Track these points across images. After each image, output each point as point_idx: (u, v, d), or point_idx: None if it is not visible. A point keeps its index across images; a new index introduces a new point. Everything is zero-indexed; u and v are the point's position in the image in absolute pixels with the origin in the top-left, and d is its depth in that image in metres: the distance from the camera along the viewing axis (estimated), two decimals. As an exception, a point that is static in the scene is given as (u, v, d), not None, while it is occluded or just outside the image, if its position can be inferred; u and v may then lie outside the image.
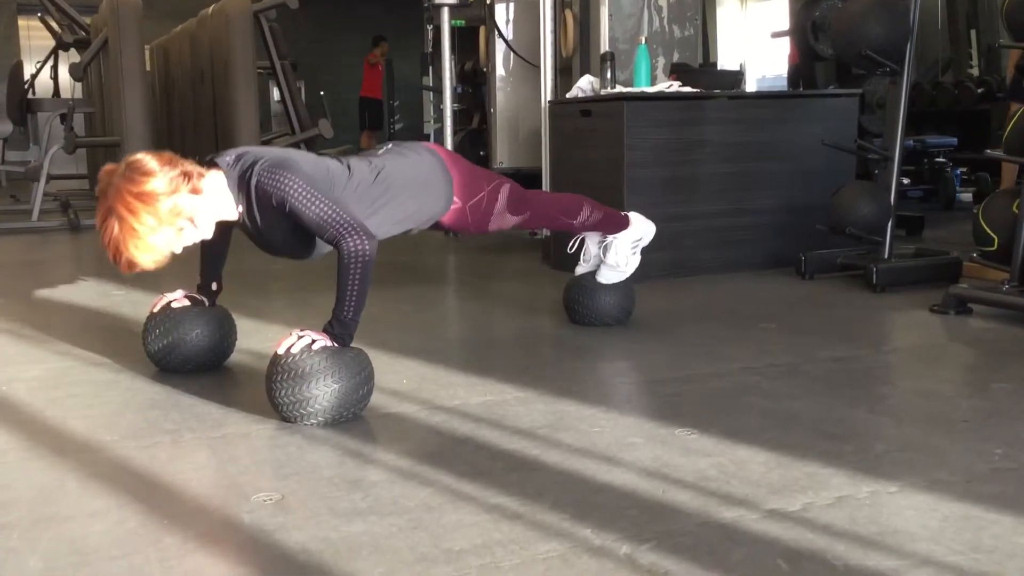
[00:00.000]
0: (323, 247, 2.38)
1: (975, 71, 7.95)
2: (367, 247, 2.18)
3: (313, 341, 2.15)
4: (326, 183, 2.30)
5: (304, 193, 2.19)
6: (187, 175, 2.18)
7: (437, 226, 2.70)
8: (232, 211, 2.31)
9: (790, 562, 1.45)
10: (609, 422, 2.17)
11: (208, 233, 2.28)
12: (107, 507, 1.71)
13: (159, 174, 2.13)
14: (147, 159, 2.16)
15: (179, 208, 2.15)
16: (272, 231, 2.32)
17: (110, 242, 2.11)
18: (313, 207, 2.19)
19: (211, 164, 2.32)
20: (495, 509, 1.67)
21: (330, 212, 2.19)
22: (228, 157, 2.32)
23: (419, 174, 2.55)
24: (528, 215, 2.82)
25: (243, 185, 2.26)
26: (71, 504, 1.73)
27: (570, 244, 3.21)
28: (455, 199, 2.61)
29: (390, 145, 2.65)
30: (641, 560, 1.47)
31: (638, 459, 1.91)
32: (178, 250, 2.22)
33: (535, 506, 1.68)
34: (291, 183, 2.20)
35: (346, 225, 2.19)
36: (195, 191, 2.18)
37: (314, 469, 1.89)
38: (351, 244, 2.17)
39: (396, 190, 2.48)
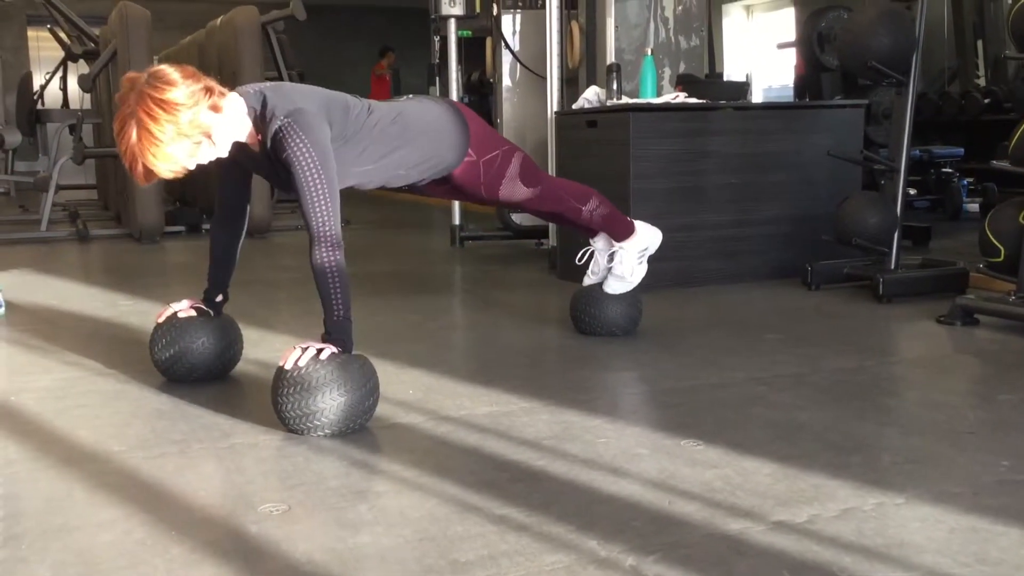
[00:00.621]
0: (343, 179, 2.41)
1: (982, 81, 7.95)
2: (336, 257, 2.21)
3: (319, 351, 2.16)
4: (342, 120, 2.36)
5: (310, 173, 2.21)
6: (209, 90, 2.20)
7: (449, 186, 2.72)
8: (245, 133, 2.33)
9: (796, 574, 1.45)
10: (615, 433, 2.17)
11: (224, 151, 2.29)
12: (115, 517, 1.72)
13: (181, 85, 2.15)
14: (170, 70, 2.18)
15: (199, 121, 2.17)
16: (275, 173, 2.36)
17: (127, 149, 2.13)
18: (310, 194, 2.21)
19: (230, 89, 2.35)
20: (501, 520, 1.67)
21: (320, 211, 2.22)
22: (250, 88, 2.34)
23: (437, 120, 2.61)
24: (539, 190, 2.85)
25: (262, 123, 2.28)
26: (79, 514, 1.74)
27: (579, 256, 3.22)
28: (470, 152, 2.65)
29: (411, 96, 2.73)
30: (647, 572, 1.47)
31: (644, 470, 1.91)
32: (192, 166, 2.23)
33: (541, 517, 1.68)
34: (305, 154, 2.22)
35: (325, 233, 2.21)
36: (215, 108, 2.20)
37: (320, 480, 1.89)
38: (321, 254, 2.20)
39: (414, 133, 2.53)
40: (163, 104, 2.11)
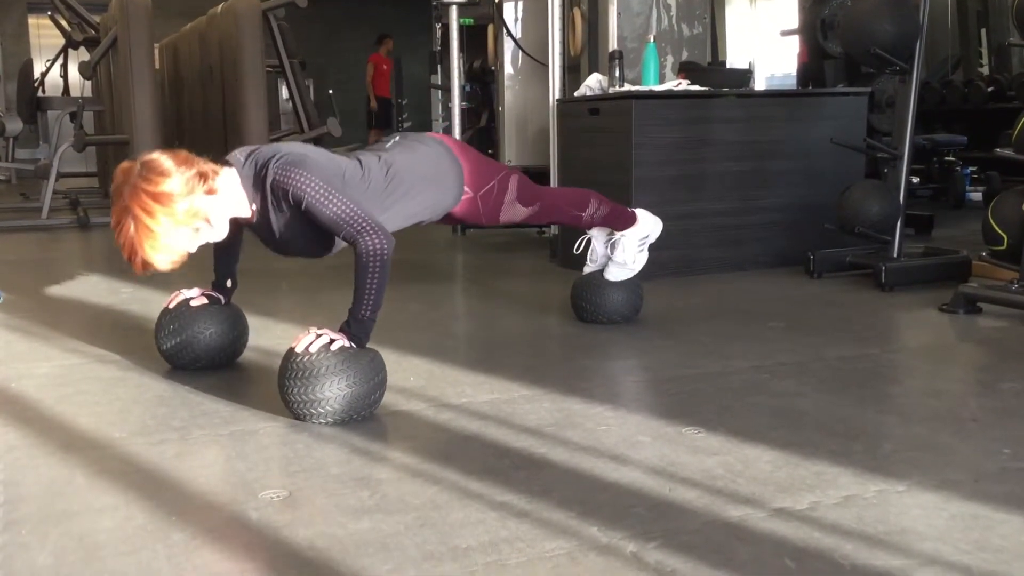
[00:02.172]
0: (338, 244, 2.38)
1: (985, 70, 7.92)
2: (384, 245, 2.18)
3: (331, 341, 2.15)
4: (339, 180, 2.30)
5: (320, 190, 2.19)
6: (203, 175, 2.17)
7: (448, 218, 2.71)
8: (245, 209, 2.31)
9: (797, 561, 1.45)
10: (616, 420, 2.17)
11: (223, 233, 2.28)
12: (115, 503, 1.72)
13: (175, 174, 2.12)
14: (163, 159, 2.15)
15: (195, 208, 2.15)
16: (287, 229, 2.31)
17: (125, 242, 2.11)
18: (330, 205, 2.19)
19: (223, 163, 2.32)
20: (502, 507, 1.67)
21: (347, 210, 2.20)
22: (240, 155, 2.31)
23: (429, 167, 2.55)
24: (538, 207, 2.82)
25: (258, 183, 2.26)
26: (80, 500, 1.74)
27: (576, 244, 3.21)
28: (466, 189, 2.62)
29: (397, 137, 2.65)
30: (647, 558, 1.47)
31: (645, 457, 1.91)
32: (193, 249, 2.21)
33: (542, 504, 1.68)
34: (307, 180, 2.20)
35: (363, 223, 2.19)
36: (211, 191, 2.18)
37: (322, 466, 1.89)
38: (368, 243, 2.17)
39: (408, 185, 2.48)
40: (157, 197, 2.09)
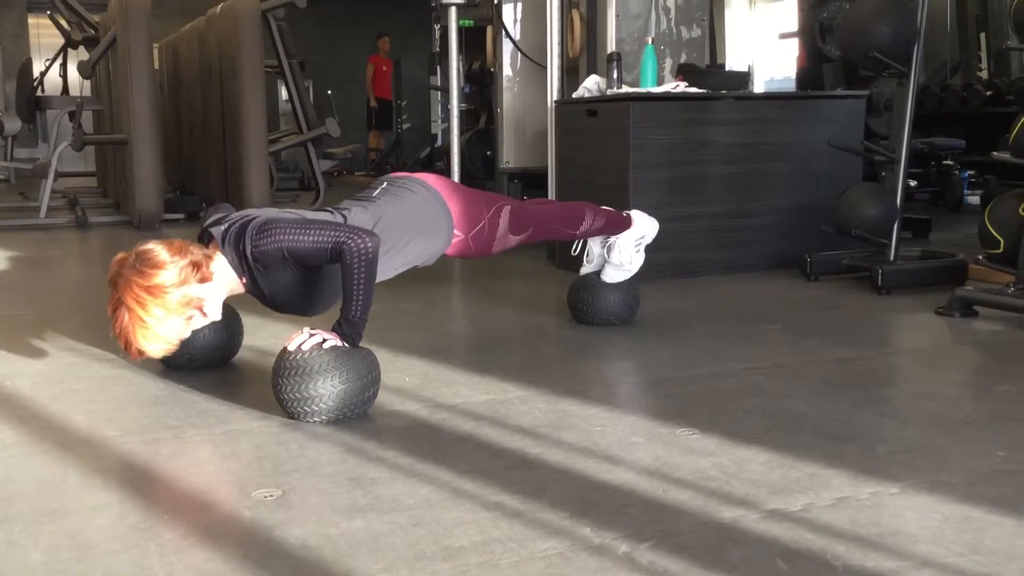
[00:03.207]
0: (330, 297, 2.39)
1: (984, 74, 7.93)
2: (368, 244, 2.18)
3: (324, 340, 2.15)
4: (315, 220, 2.31)
5: (294, 233, 2.21)
6: (196, 265, 2.20)
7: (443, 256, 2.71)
8: (238, 286, 2.34)
9: (789, 562, 1.45)
10: (611, 421, 2.17)
11: (217, 316, 2.30)
12: (109, 502, 1.72)
13: (169, 265, 2.15)
14: (157, 250, 2.18)
15: (188, 298, 2.18)
16: (276, 290, 2.33)
17: (120, 332, 2.15)
18: (306, 238, 2.20)
19: (208, 237, 2.33)
20: (495, 507, 1.67)
21: (323, 230, 2.20)
22: (217, 234, 2.30)
23: (418, 215, 2.53)
24: (530, 231, 2.81)
25: (240, 256, 2.27)
26: (73, 498, 1.74)
27: (574, 247, 3.21)
28: (456, 232, 2.61)
29: (384, 184, 2.62)
30: (640, 559, 1.47)
31: (639, 458, 1.91)
32: (187, 335, 2.25)
33: (535, 504, 1.68)
34: (279, 231, 2.21)
35: (342, 230, 2.20)
36: (204, 279, 2.21)
37: (315, 466, 1.89)
38: (351, 244, 2.18)
39: (397, 236, 2.47)
40: (150, 290, 2.12)
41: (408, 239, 2.50)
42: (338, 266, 2.23)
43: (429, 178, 2.67)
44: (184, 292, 2.16)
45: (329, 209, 2.47)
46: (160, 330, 2.15)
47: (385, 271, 2.46)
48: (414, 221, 2.52)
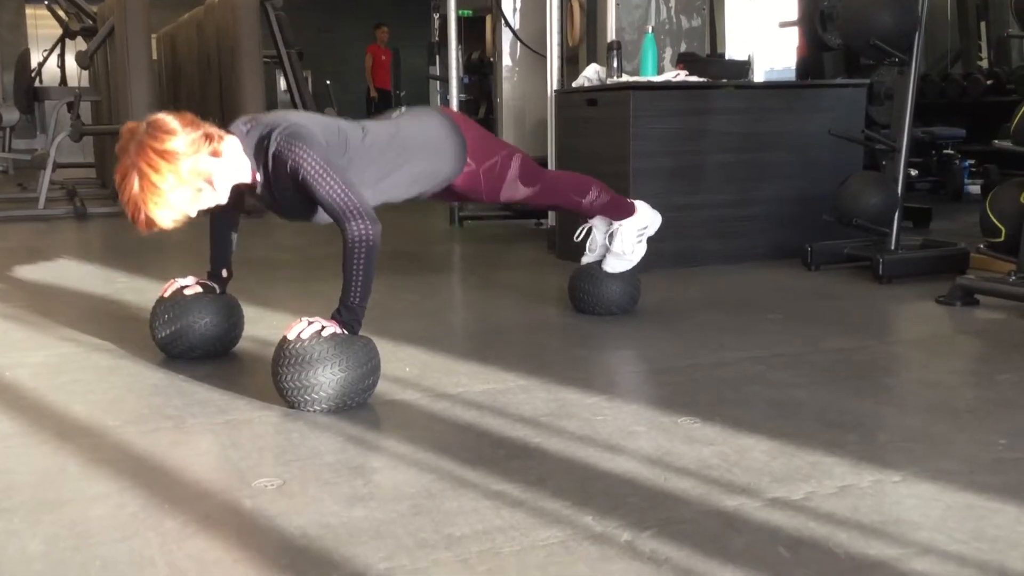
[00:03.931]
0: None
1: (985, 63, 7.90)
2: (371, 232, 2.18)
3: (323, 328, 2.15)
4: (339, 146, 2.33)
5: (317, 168, 2.20)
6: (208, 137, 2.20)
7: (450, 193, 2.71)
8: (247, 175, 2.32)
9: (792, 550, 1.45)
10: (612, 410, 2.16)
11: (224, 197, 2.29)
12: (108, 491, 1.71)
13: (181, 133, 2.15)
14: (169, 118, 2.17)
15: (199, 168, 2.16)
16: (286, 197, 2.33)
17: (129, 200, 2.13)
18: (324, 184, 2.20)
19: (226, 131, 2.33)
20: (496, 496, 1.66)
21: (339, 191, 2.20)
22: (242, 125, 2.33)
23: (433, 136, 2.58)
24: (539, 188, 2.83)
25: (260, 152, 2.28)
26: (72, 488, 1.73)
27: (577, 233, 3.20)
28: (469, 161, 2.63)
29: (403, 109, 2.69)
30: (642, 547, 1.46)
31: (640, 447, 1.91)
32: (193, 213, 2.23)
33: (536, 493, 1.67)
34: (307, 157, 2.21)
35: (352, 208, 2.20)
36: (215, 153, 2.20)
37: (316, 455, 1.88)
38: (355, 228, 2.17)
39: (410, 152, 2.51)
40: (163, 154, 2.11)
41: (421, 155, 2.53)
42: (352, 173, 2.29)
43: (447, 109, 2.74)
44: (195, 161, 2.15)
45: (349, 120, 2.50)
46: (171, 197, 2.13)
47: (397, 188, 2.49)
48: (429, 139, 2.56)
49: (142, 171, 2.10)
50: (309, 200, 2.30)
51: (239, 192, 2.42)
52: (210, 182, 2.21)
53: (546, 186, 2.87)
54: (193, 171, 2.15)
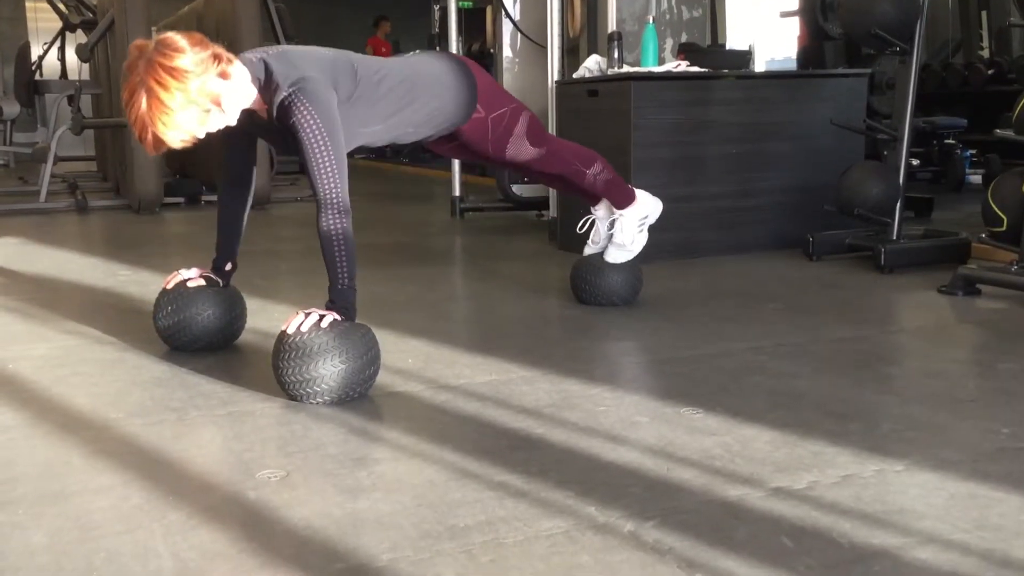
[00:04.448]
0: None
1: (986, 53, 7.89)
2: (344, 223, 2.21)
3: (321, 317, 2.15)
4: (349, 80, 2.34)
5: (318, 141, 2.21)
6: (217, 57, 2.18)
7: (458, 144, 2.73)
8: (252, 100, 2.31)
9: (795, 540, 1.45)
10: (614, 401, 2.16)
11: (233, 119, 2.28)
12: (112, 483, 1.71)
13: (190, 52, 2.13)
14: (178, 37, 2.16)
15: (208, 88, 2.15)
16: (288, 134, 2.32)
17: (137, 119, 2.12)
18: (315, 158, 2.21)
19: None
20: (500, 487, 1.67)
21: (325, 175, 2.21)
22: (253, 57, 2.31)
23: (445, 77, 2.60)
24: (544, 150, 2.84)
25: (268, 89, 2.26)
26: (76, 480, 1.74)
27: (580, 224, 3.20)
28: (479, 107, 2.64)
29: (417, 52, 2.73)
30: (645, 537, 1.47)
31: (643, 437, 1.91)
32: (201, 134, 2.21)
33: (540, 484, 1.67)
34: (312, 123, 2.21)
35: (332, 199, 2.21)
36: (224, 75, 2.19)
37: (319, 447, 1.89)
38: (328, 220, 2.20)
39: (421, 90, 2.52)
40: (172, 71, 2.09)
41: (431, 93, 2.55)
42: (361, 108, 2.35)
43: (462, 56, 2.76)
44: (204, 81, 2.13)
45: (363, 55, 2.52)
46: (179, 116, 2.11)
47: (405, 124, 2.52)
48: (439, 79, 2.58)
49: (150, 88, 2.08)
50: None
51: (251, 142, 2.44)
52: (218, 103, 2.19)
53: (551, 149, 2.87)
54: (202, 90, 2.13)
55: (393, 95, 2.46)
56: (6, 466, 1.82)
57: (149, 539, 1.49)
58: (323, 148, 2.21)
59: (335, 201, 2.21)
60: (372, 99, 2.42)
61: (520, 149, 2.76)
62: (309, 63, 2.31)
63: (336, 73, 2.34)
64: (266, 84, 2.27)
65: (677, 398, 2.16)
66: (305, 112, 2.21)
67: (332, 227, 2.21)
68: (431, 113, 2.57)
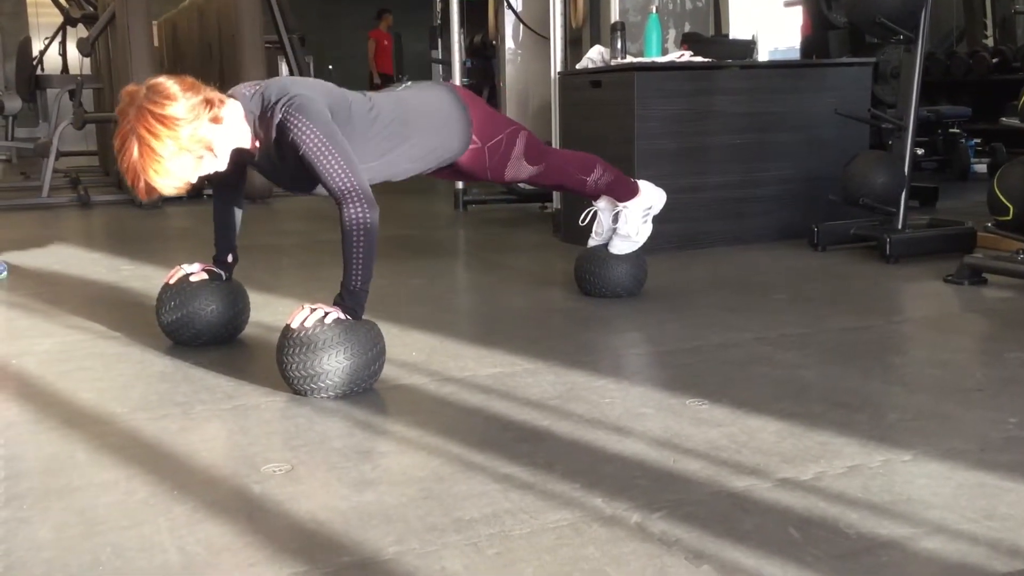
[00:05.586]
0: None
1: (990, 41, 7.86)
2: (368, 215, 2.16)
3: (325, 314, 2.14)
4: (343, 116, 2.31)
5: (319, 144, 2.18)
6: (209, 102, 2.16)
7: (453, 170, 2.70)
8: (246, 141, 2.30)
9: (802, 531, 1.45)
10: (620, 393, 2.16)
11: (224, 163, 2.26)
12: (117, 478, 1.71)
13: (181, 98, 2.11)
14: (169, 83, 2.14)
15: (200, 135, 2.13)
16: (285, 166, 2.32)
17: (129, 167, 2.10)
18: (325, 162, 2.18)
19: (228, 95, 2.31)
20: (505, 479, 1.66)
21: (339, 172, 2.18)
22: (246, 90, 2.30)
23: (439, 110, 2.56)
24: (543, 167, 2.81)
25: (264, 120, 2.25)
26: (81, 475, 1.73)
27: (582, 216, 3.19)
28: (474, 138, 2.62)
29: (409, 82, 2.66)
30: (652, 529, 1.46)
31: (649, 429, 1.90)
32: (194, 179, 2.20)
33: (546, 476, 1.67)
34: (310, 133, 2.18)
35: (350, 187, 2.18)
36: (216, 120, 2.17)
37: (324, 440, 1.88)
38: (352, 210, 2.16)
39: (416, 125, 2.49)
40: (163, 119, 2.08)
41: (426, 130, 2.51)
42: (356, 146, 2.28)
43: (454, 85, 2.72)
44: (196, 128, 2.12)
45: (355, 91, 2.47)
46: (171, 164, 2.10)
47: (401, 163, 2.48)
48: (435, 114, 2.55)
49: (141, 137, 2.07)
50: (308, 171, 2.29)
51: (241, 165, 2.41)
52: (211, 149, 2.18)
53: (551, 164, 2.85)
54: (193, 138, 2.12)
55: (387, 132, 2.42)
56: (12, 461, 1.81)
57: (155, 533, 1.49)
58: (326, 149, 2.18)
59: (355, 189, 2.17)
60: (366, 136, 2.38)
61: (519, 170, 2.75)
62: (303, 86, 2.30)
63: (331, 100, 2.31)
64: (261, 116, 2.25)
65: (683, 389, 2.15)
66: (301, 125, 2.19)
67: (355, 219, 2.16)
68: (426, 150, 2.54)
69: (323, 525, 1.50)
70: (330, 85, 2.40)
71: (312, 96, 2.26)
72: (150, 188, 2.12)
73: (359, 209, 2.16)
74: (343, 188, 2.18)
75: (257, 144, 2.30)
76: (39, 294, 3.39)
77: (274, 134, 2.24)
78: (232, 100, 2.26)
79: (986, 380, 2.23)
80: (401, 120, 2.46)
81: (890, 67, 5.54)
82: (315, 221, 5.42)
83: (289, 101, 2.22)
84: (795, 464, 1.70)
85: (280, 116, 2.21)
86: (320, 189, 2.35)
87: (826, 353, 2.45)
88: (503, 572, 1.34)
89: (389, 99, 2.49)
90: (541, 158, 2.80)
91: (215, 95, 2.20)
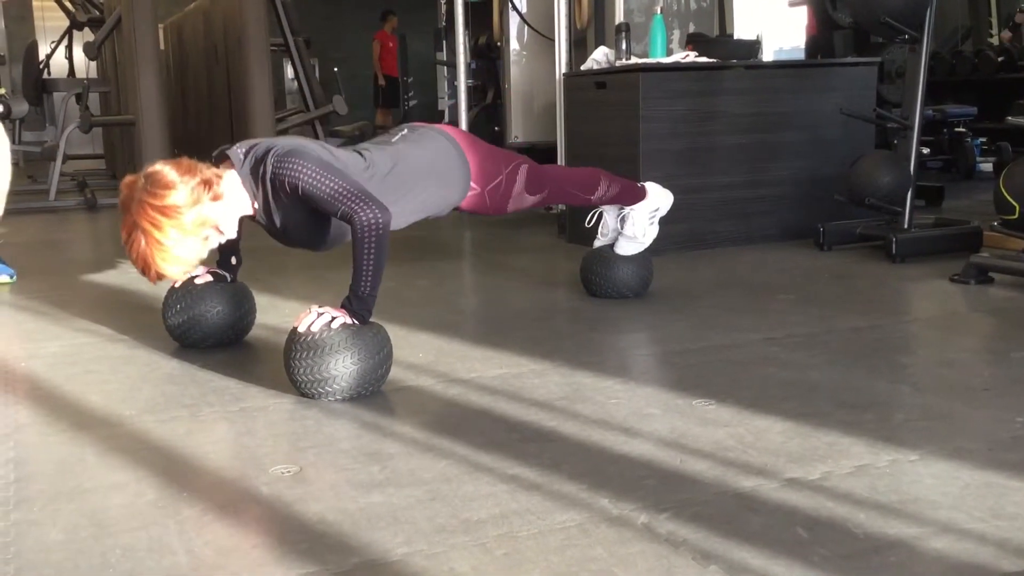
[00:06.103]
0: (337, 236, 2.37)
1: (995, 40, 7.85)
2: (380, 219, 2.16)
3: (333, 318, 2.14)
4: (337, 167, 2.29)
5: (314, 173, 2.18)
6: (207, 183, 2.17)
7: (455, 210, 2.69)
8: (248, 207, 2.31)
9: (809, 530, 1.45)
10: (626, 393, 2.16)
11: (233, 233, 2.29)
12: (126, 480, 1.72)
13: (180, 185, 2.12)
14: (166, 170, 2.14)
15: (203, 218, 2.15)
16: (288, 221, 2.31)
17: (137, 257, 2.12)
18: (323, 184, 2.18)
19: (222, 158, 2.32)
20: (512, 480, 1.66)
21: (341, 186, 2.18)
22: (239, 152, 2.30)
23: (436, 162, 2.52)
24: (546, 193, 2.80)
25: (257, 179, 2.25)
26: (91, 477, 1.74)
27: (588, 218, 3.19)
28: (473, 184, 2.59)
29: (405, 131, 2.61)
30: (659, 529, 1.46)
31: (656, 430, 1.90)
32: (204, 256, 2.22)
33: (553, 477, 1.67)
34: (301, 166, 2.19)
35: (358, 197, 2.17)
36: (216, 198, 2.18)
37: (332, 442, 1.89)
38: (363, 216, 2.15)
39: (414, 180, 2.45)
40: (164, 210, 2.09)
41: (424, 184, 2.49)
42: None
43: (449, 129, 2.67)
44: (198, 212, 2.13)
45: (351, 149, 2.46)
46: (177, 251, 2.12)
47: (399, 217, 2.44)
48: (432, 167, 2.51)
49: (146, 231, 2.09)
50: (313, 221, 2.29)
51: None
52: (216, 228, 2.20)
53: (553, 190, 2.83)
54: (196, 222, 2.13)
55: (384, 189, 2.37)
56: (21, 464, 1.82)
57: (164, 535, 1.49)
58: (324, 176, 2.17)
59: (361, 198, 2.16)
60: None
61: (521, 203, 2.73)
62: (293, 141, 2.30)
63: (326, 157, 2.28)
64: (252, 172, 2.25)
65: (689, 390, 2.15)
66: (292, 164, 2.18)
67: (367, 224, 2.14)
68: (424, 203, 2.51)
69: (332, 526, 1.51)
70: (324, 145, 2.38)
71: (302, 142, 2.27)
72: (160, 275, 2.16)
73: (371, 213, 2.15)
74: (350, 198, 2.16)
75: (256, 204, 2.30)
76: (46, 297, 3.40)
77: (269, 188, 2.24)
78: (229, 172, 2.27)
79: (993, 379, 2.23)
80: (398, 175, 2.42)
81: (895, 66, 5.53)
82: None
83: (276, 151, 2.22)
84: (802, 464, 1.70)
85: (271, 166, 2.21)
86: (331, 240, 2.37)
87: (833, 353, 2.45)
88: (511, 573, 1.35)
89: (384, 155, 2.44)
90: (542, 186, 2.76)
91: (211, 172, 2.21)
